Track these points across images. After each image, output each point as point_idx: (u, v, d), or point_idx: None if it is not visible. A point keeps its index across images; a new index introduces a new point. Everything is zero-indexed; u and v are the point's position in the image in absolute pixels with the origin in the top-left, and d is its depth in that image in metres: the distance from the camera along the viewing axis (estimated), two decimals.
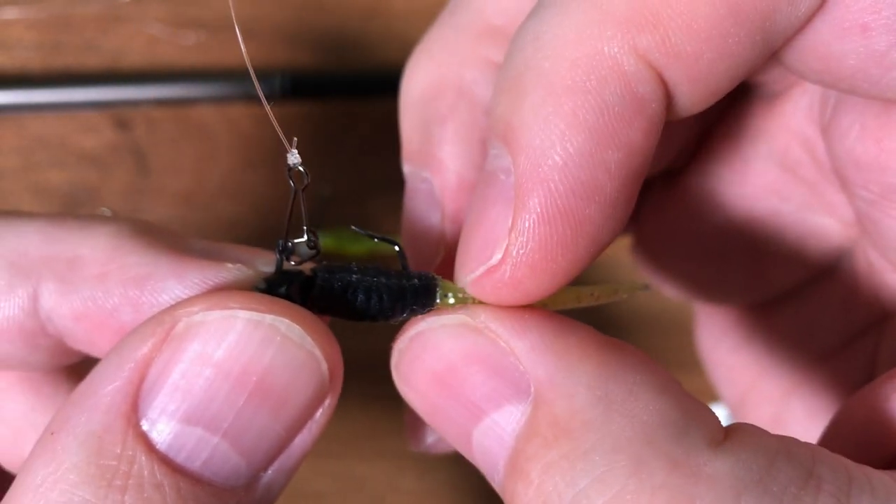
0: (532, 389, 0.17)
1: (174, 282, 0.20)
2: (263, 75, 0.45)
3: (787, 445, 0.17)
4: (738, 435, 0.17)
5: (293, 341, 0.18)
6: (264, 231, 0.46)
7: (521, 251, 0.18)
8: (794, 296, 0.30)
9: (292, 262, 0.20)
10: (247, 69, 0.47)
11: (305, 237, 0.21)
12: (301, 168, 0.18)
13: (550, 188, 0.18)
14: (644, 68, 0.18)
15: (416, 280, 0.20)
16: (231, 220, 0.46)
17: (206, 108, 0.46)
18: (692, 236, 0.29)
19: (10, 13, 0.44)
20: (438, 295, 0.20)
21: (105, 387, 0.18)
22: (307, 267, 0.20)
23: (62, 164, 0.45)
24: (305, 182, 0.18)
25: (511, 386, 0.18)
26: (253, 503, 0.18)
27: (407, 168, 0.27)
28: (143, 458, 0.17)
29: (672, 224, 0.30)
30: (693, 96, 0.19)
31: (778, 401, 0.30)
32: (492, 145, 0.19)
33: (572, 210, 0.18)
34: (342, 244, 0.45)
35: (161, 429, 0.17)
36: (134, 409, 0.17)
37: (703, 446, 0.16)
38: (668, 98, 0.19)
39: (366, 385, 0.45)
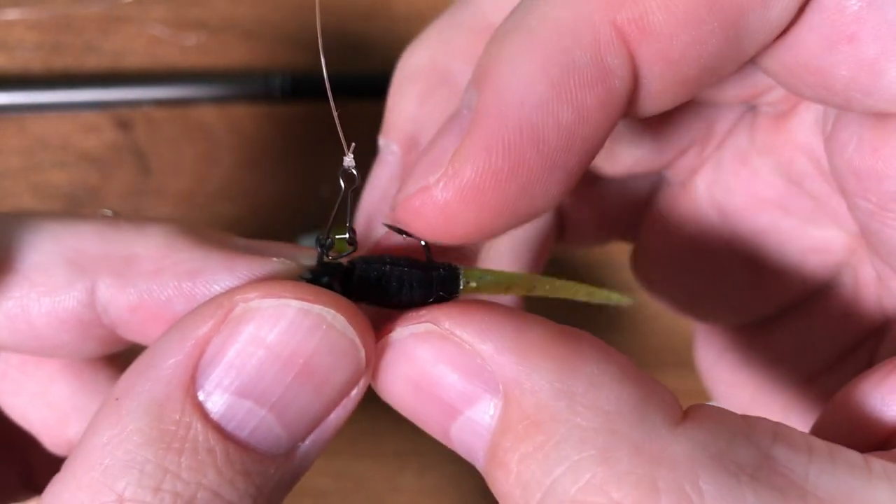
0: (501, 388, 0.19)
1: (225, 275, 0.22)
2: (264, 76, 0.46)
3: (748, 425, 0.18)
4: (696, 415, 0.18)
5: (337, 329, 0.20)
6: (264, 231, 0.46)
7: (456, 174, 0.19)
8: (792, 312, 0.30)
9: (330, 256, 0.22)
10: (246, 70, 0.47)
11: (347, 234, 0.23)
12: (354, 171, 0.19)
13: (503, 122, 0.19)
14: (617, 43, 0.19)
15: (441, 269, 0.21)
16: (231, 219, 0.46)
17: (207, 109, 0.46)
18: (693, 250, 0.30)
19: (12, 14, 0.45)
20: (462, 282, 0.21)
21: (167, 360, 0.20)
22: (345, 260, 0.22)
23: (63, 165, 0.45)
24: (356, 183, 0.20)
25: (481, 384, 0.19)
26: (290, 470, 0.20)
27: (381, 141, 0.28)
28: (199, 425, 0.19)
29: (672, 238, 0.31)
30: (664, 81, 0.20)
31: (779, 416, 0.30)
32: (467, 90, 0.20)
33: (515, 147, 0.19)
34: (342, 245, 0.45)
35: (215, 400, 0.19)
36: (192, 382, 0.19)
37: (662, 429, 0.18)
38: (635, 79, 0.20)
39: None
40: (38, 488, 0.30)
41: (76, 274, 0.22)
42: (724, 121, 0.29)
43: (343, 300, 0.20)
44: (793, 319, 0.30)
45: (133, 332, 0.23)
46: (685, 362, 0.50)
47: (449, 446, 0.20)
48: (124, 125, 0.45)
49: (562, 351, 0.19)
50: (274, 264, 0.22)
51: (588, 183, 0.31)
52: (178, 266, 0.22)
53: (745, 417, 0.18)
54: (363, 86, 0.47)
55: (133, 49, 0.45)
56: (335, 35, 0.48)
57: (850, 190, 0.24)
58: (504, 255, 0.29)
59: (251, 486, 0.19)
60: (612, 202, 0.32)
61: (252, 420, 0.20)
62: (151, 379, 0.20)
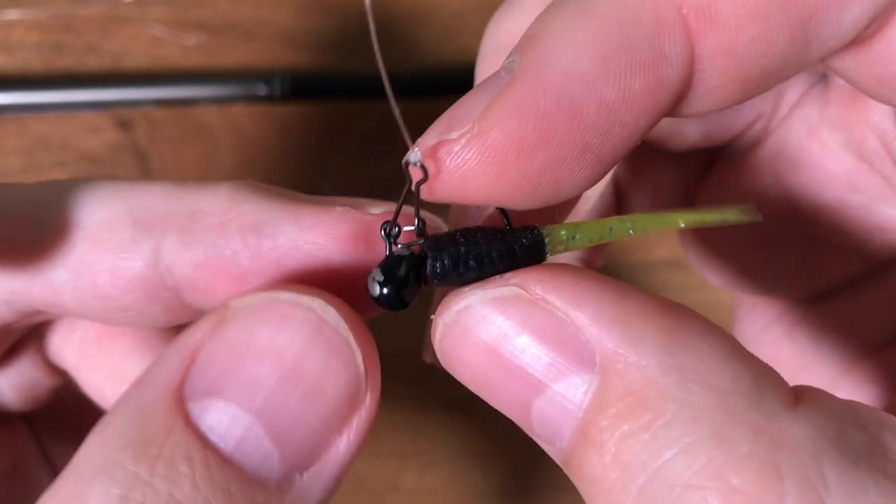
0: (598, 360, 0.17)
1: (290, 225, 0.21)
2: (264, 76, 0.46)
3: (854, 410, 0.17)
4: (809, 398, 0.17)
5: (329, 325, 0.18)
6: None
7: (482, 133, 0.17)
8: (847, 288, 0.29)
9: (399, 245, 0.21)
10: (247, 70, 0.47)
11: (415, 226, 0.20)
12: (421, 165, 0.18)
13: (541, 87, 0.17)
14: (679, 29, 0.18)
15: (523, 239, 0.19)
16: None
17: (208, 109, 0.46)
18: (750, 224, 0.29)
19: (12, 14, 0.45)
20: (548, 249, 0.19)
21: (159, 369, 0.19)
22: (415, 247, 0.20)
23: (64, 165, 0.45)
24: (424, 177, 0.18)
25: (573, 357, 0.17)
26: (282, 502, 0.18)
27: None
28: (181, 430, 0.18)
29: (748, 182, 0.29)
30: (723, 77, 0.19)
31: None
32: (510, 54, 0.19)
33: (549, 117, 0.17)
34: None
35: (201, 406, 0.18)
36: (180, 388, 0.18)
37: (780, 411, 0.16)
38: (690, 71, 0.18)
39: None
40: None
41: (142, 233, 0.22)
42: (791, 91, 0.27)
43: (337, 299, 0.19)
44: (846, 296, 0.29)
45: (198, 293, 0.22)
46: None
47: (523, 426, 0.19)
48: (125, 125, 0.46)
49: (668, 322, 0.17)
50: (339, 212, 0.21)
51: (646, 156, 0.30)
52: (243, 218, 0.21)
53: (848, 402, 0.17)
54: (363, 86, 0.47)
55: (133, 49, 0.46)
56: (336, 36, 0.48)
57: None
58: None
59: None
60: (669, 175, 0.31)
61: (238, 428, 0.18)
62: (141, 386, 0.19)
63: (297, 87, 0.46)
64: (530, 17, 0.25)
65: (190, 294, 0.22)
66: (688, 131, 0.28)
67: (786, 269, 0.29)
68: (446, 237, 0.19)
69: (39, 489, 0.28)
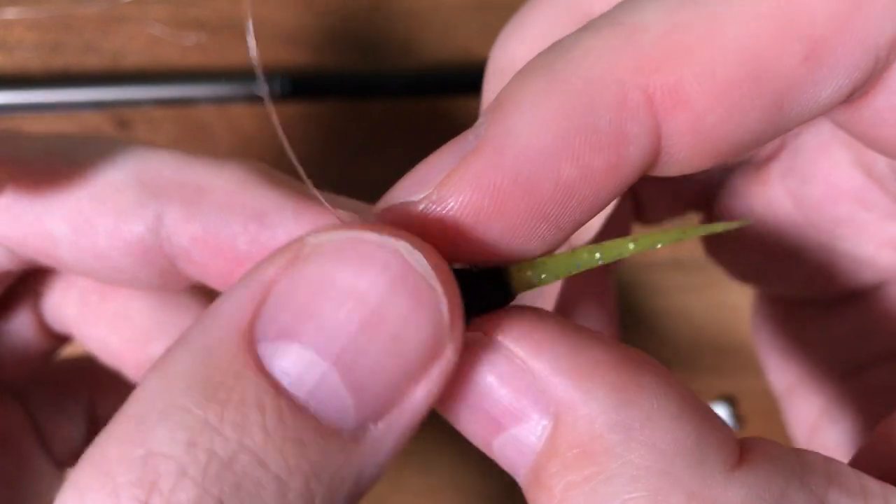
0: (552, 409, 0.18)
1: (292, 220, 0.21)
2: (264, 75, 0.46)
3: (803, 467, 0.17)
4: (753, 457, 0.17)
5: (414, 270, 0.17)
6: None
7: (440, 202, 0.18)
8: (858, 297, 0.30)
9: None
10: (246, 70, 0.47)
11: None
12: None
13: (499, 163, 0.18)
14: (644, 110, 0.18)
15: (489, 284, 0.19)
16: None
17: (207, 109, 0.46)
18: (765, 232, 0.29)
19: (11, 14, 0.44)
20: (513, 290, 0.19)
21: (227, 305, 0.18)
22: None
23: None
24: None
25: (530, 403, 0.18)
26: (357, 459, 0.18)
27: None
28: (251, 374, 0.17)
29: (748, 213, 0.30)
30: (691, 151, 0.19)
31: (827, 395, 0.30)
32: (482, 115, 0.19)
33: (505, 192, 0.18)
34: None
35: (273, 349, 0.17)
36: (251, 327, 0.17)
37: (718, 474, 0.17)
38: (655, 148, 0.18)
39: None
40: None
41: (147, 197, 0.22)
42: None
43: (424, 242, 0.18)
44: (856, 305, 0.30)
45: (192, 266, 0.22)
46: (687, 363, 0.50)
47: (489, 456, 0.19)
48: (124, 125, 0.45)
49: (621, 378, 0.17)
50: (342, 215, 0.21)
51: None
52: (248, 204, 0.21)
53: (798, 454, 0.17)
54: (363, 85, 0.47)
55: (133, 49, 0.45)
56: (336, 35, 0.48)
57: None
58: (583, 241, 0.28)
59: (305, 462, 0.17)
60: (688, 185, 0.31)
61: (314, 375, 0.17)
62: (206, 325, 0.18)
63: (297, 86, 0.46)
64: (533, 41, 0.25)
65: (184, 264, 0.22)
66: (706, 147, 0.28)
67: (801, 272, 0.30)
68: None
69: (30, 461, 0.28)
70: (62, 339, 0.29)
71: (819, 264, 0.29)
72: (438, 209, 0.18)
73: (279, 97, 0.46)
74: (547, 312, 0.19)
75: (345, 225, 0.18)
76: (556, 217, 0.18)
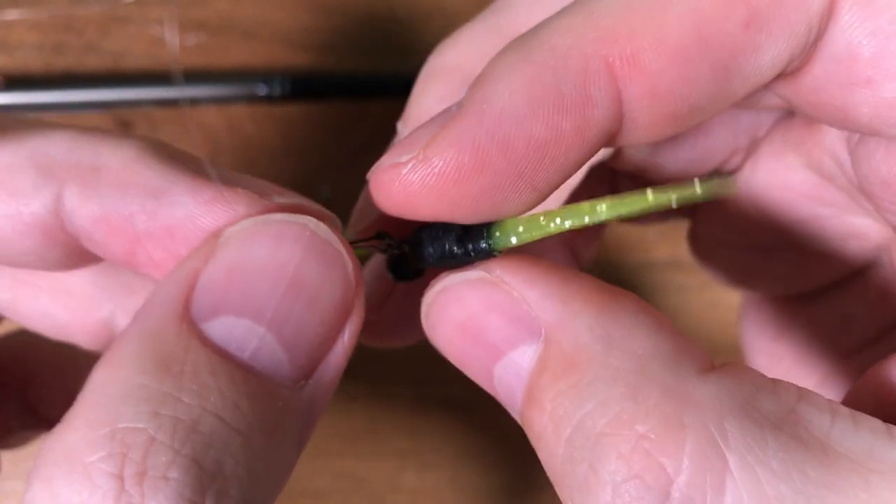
0: (542, 331, 0.20)
1: (188, 197, 0.21)
2: (264, 76, 0.46)
3: (774, 383, 0.19)
4: (726, 368, 0.19)
5: (322, 238, 0.20)
6: None
7: (425, 160, 0.20)
8: (835, 289, 0.31)
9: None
10: (246, 70, 0.47)
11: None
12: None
13: (478, 123, 0.20)
14: (605, 77, 0.20)
15: (473, 240, 0.22)
16: None
17: (208, 109, 0.46)
18: (741, 231, 0.32)
19: (12, 14, 0.45)
20: (493, 245, 0.22)
21: (159, 298, 0.20)
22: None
23: None
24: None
25: (525, 329, 0.20)
26: (298, 409, 0.20)
27: (399, 125, 0.30)
28: (198, 347, 0.19)
29: (723, 219, 0.32)
30: (651, 115, 0.21)
31: (814, 388, 0.31)
32: (466, 92, 0.21)
33: (483, 149, 0.20)
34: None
35: (213, 324, 0.19)
36: (186, 310, 0.19)
37: (692, 375, 0.18)
38: (618, 112, 0.20)
39: (366, 383, 0.46)
40: (42, 424, 0.31)
41: (44, 179, 0.22)
42: (763, 126, 0.30)
43: (327, 215, 0.21)
44: (834, 296, 0.31)
45: (95, 245, 0.23)
46: None
47: (491, 392, 0.21)
48: (125, 125, 0.46)
49: (604, 300, 0.20)
50: (238, 194, 0.22)
51: (642, 175, 0.33)
52: (144, 181, 0.21)
53: (771, 378, 0.19)
54: (363, 86, 0.47)
55: (133, 49, 0.46)
56: (335, 36, 0.48)
57: (877, 195, 0.25)
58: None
59: (258, 416, 0.19)
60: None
61: (252, 339, 0.19)
62: (145, 316, 0.19)
63: (298, 87, 0.46)
64: (462, 53, 0.29)
65: (88, 243, 0.23)
66: (665, 166, 0.30)
67: (777, 270, 0.32)
68: (426, 233, 0.23)
69: None
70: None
71: (793, 263, 0.31)
72: (425, 168, 0.20)
73: (279, 97, 0.46)
74: (535, 257, 0.21)
75: (254, 208, 0.21)
76: (531, 175, 0.20)
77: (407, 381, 0.44)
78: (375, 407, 0.48)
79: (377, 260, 0.28)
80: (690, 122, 0.21)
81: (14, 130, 0.22)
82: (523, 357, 0.20)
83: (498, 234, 0.22)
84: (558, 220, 0.21)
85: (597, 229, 0.33)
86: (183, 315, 0.19)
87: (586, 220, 0.20)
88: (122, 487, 0.17)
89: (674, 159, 0.30)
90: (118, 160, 0.22)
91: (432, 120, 0.21)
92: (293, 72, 0.46)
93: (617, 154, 0.31)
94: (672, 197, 0.19)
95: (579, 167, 0.21)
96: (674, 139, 0.30)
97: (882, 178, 0.24)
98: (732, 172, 0.28)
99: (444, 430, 0.49)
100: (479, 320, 0.21)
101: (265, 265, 0.20)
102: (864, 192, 0.26)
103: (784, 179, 0.29)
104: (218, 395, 0.18)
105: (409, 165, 0.20)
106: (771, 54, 0.20)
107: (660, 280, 0.50)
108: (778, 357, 0.33)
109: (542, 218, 0.21)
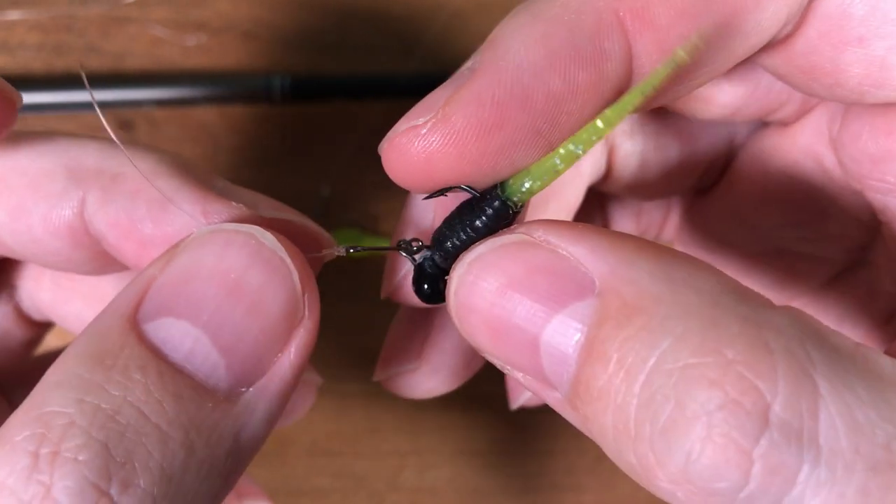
0: (596, 284, 0.18)
1: (188, 208, 0.23)
2: (264, 77, 0.46)
3: (834, 330, 0.18)
4: (789, 307, 0.18)
5: (267, 247, 0.20)
6: None
7: (445, 118, 0.20)
8: (822, 292, 0.31)
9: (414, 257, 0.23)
10: (247, 71, 0.47)
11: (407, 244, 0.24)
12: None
13: (497, 78, 0.20)
14: (617, 30, 0.20)
15: (489, 202, 0.21)
16: None
17: (208, 109, 0.46)
18: (724, 243, 0.32)
19: (13, 15, 0.45)
20: (510, 202, 0.21)
21: (116, 300, 0.20)
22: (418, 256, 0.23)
23: None
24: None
25: (575, 286, 0.19)
26: (232, 416, 0.20)
27: None
28: (134, 344, 0.19)
29: (706, 233, 0.32)
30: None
31: None
32: (473, 56, 0.21)
33: (504, 104, 0.20)
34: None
35: (154, 325, 0.20)
36: (134, 312, 0.20)
37: (764, 307, 0.18)
38: (629, 65, 0.21)
39: (366, 383, 0.46)
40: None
41: (73, 184, 0.24)
42: (740, 136, 0.31)
43: (313, 230, 0.22)
44: (824, 298, 0.31)
45: (112, 249, 0.24)
46: None
47: (528, 370, 0.20)
48: (126, 125, 0.46)
49: (657, 251, 0.19)
50: (234, 208, 0.23)
51: (626, 203, 0.34)
52: (154, 192, 0.23)
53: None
54: (363, 87, 0.47)
55: (134, 50, 0.46)
56: (336, 37, 0.48)
57: (867, 174, 0.26)
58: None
59: (183, 415, 0.19)
60: (648, 208, 0.35)
61: (187, 340, 0.20)
62: (98, 317, 0.20)
63: (298, 87, 0.46)
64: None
65: (108, 247, 0.24)
66: (651, 182, 0.31)
67: (767, 280, 0.32)
68: (436, 235, 0.22)
69: None
70: (41, 326, 0.31)
71: (780, 269, 0.31)
72: (445, 126, 0.20)
73: (279, 98, 0.46)
74: (571, 222, 0.21)
75: (211, 221, 0.22)
76: (548, 131, 0.20)
77: None
78: (375, 407, 0.48)
79: (405, 311, 0.28)
80: (691, 82, 0.22)
81: (49, 137, 0.24)
82: (576, 315, 0.18)
83: (511, 181, 0.21)
84: (563, 157, 0.20)
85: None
86: (129, 317, 0.20)
87: (594, 137, 0.19)
88: (36, 464, 0.18)
89: (659, 174, 0.31)
90: (135, 170, 0.23)
91: (446, 83, 0.21)
92: (293, 72, 0.46)
93: (607, 177, 0.31)
94: (663, 74, 0.18)
95: (590, 118, 0.20)
96: (657, 151, 0.30)
97: (871, 156, 0.25)
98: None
99: (444, 429, 0.49)
100: (523, 284, 0.19)
101: (209, 270, 0.20)
102: (852, 176, 0.26)
103: (765, 185, 0.30)
104: (142, 390, 0.19)
105: (429, 125, 0.20)
106: (771, 10, 0.21)
107: None
108: None
109: (549, 157, 0.20)
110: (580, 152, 0.20)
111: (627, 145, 0.30)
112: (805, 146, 0.28)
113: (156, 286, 0.20)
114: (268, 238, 0.20)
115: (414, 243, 0.23)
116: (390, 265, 0.26)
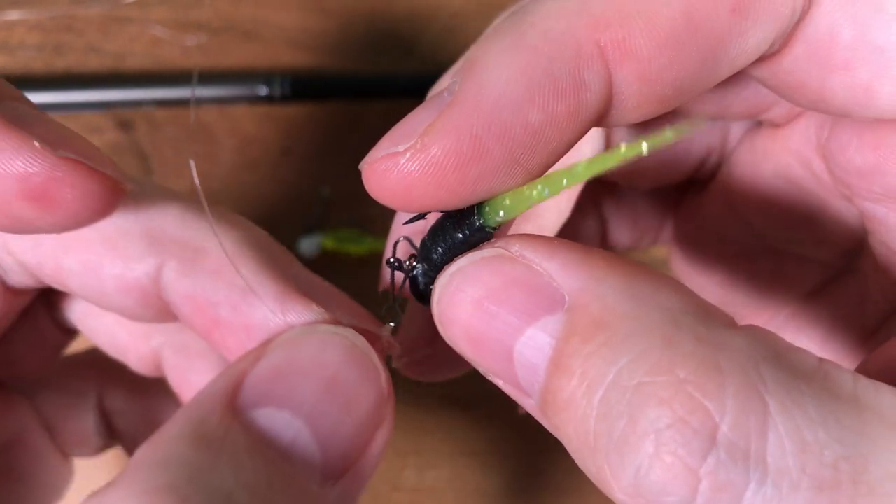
0: (566, 299, 0.19)
1: (269, 303, 0.23)
2: (264, 77, 0.46)
3: (796, 346, 0.19)
4: (751, 326, 0.19)
5: (360, 349, 0.22)
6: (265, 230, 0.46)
7: (424, 148, 0.20)
8: (817, 295, 0.32)
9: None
10: (247, 71, 0.47)
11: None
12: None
13: (476, 111, 0.20)
14: (598, 60, 0.20)
15: (467, 223, 0.22)
16: None
17: (208, 109, 0.46)
18: (723, 242, 0.32)
19: (14, 15, 0.45)
20: (487, 222, 0.21)
21: (209, 390, 0.21)
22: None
23: None
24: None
25: (547, 300, 0.19)
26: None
27: None
28: (239, 430, 0.20)
29: (702, 230, 0.32)
30: (639, 97, 0.21)
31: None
32: (453, 76, 0.21)
33: (481, 137, 0.20)
34: (342, 245, 0.45)
35: (255, 412, 0.21)
36: (232, 401, 0.21)
37: (723, 328, 0.18)
38: (609, 94, 0.21)
39: None
40: (115, 436, 0.33)
41: (150, 249, 0.24)
42: (735, 129, 0.31)
43: (381, 334, 0.23)
44: (818, 302, 0.32)
45: (183, 317, 0.25)
46: None
47: (506, 379, 0.21)
48: (126, 125, 0.46)
49: (627, 268, 0.19)
50: (313, 312, 0.24)
51: (623, 195, 0.34)
52: (236, 278, 0.24)
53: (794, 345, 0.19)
54: (364, 87, 0.47)
55: (134, 50, 0.46)
56: (337, 36, 0.48)
57: (854, 185, 0.26)
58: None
59: (289, 500, 0.20)
60: (644, 210, 0.35)
61: (290, 430, 0.21)
62: (192, 404, 0.21)
63: (298, 87, 0.46)
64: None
65: (178, 313, 0.25)
66: (644, 170, 0.31)
67: (761, 280, 0.32)
68: (422, 247, 0.23)
69: (42, 457, 0.31)
70: (72, 333, 0.31)
71: (773, 268, 0.31)
72: (424, 157, 0.20)
73: (279, 98, 0.46)
74: (547, 236, 0.21)
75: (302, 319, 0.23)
76: (526, 160, 0.20)
77: (407, 381, 0.44)
78: None
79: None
80: (675, 103, 0.22)
81: (132, 197, 0.24)
82: (547, 328, 0.19)
83: (487, 209, 0.21)
84: (538, 192, 0.20)
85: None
86: (230, 402, 0.21)
87: (564, 182, 0.20)
88: None
89: (652, 164, 0.31)
90: (219, 248, 0.24)
91: (425, 106, 0.21)
92: (293, 72, 0.46)
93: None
94: (643, 144, 0.18)
95: (569, 149, 0.21)
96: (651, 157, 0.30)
97: (857, 169, 0.25)
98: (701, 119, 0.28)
99: (444, 429, 0.49)
100: (498, 296, 0.20)
101: (307, 365, 0.21)
102: (841, 182, 0.26)
103: (757, 187, 0.30)
104: (252, 473, 0.19)
105: (408, 155, 0.20)
106: (756, 38, 0.21)
107: None
108: None
109: (525, 189, 0.21)
110: (546, 195, 0.21)
111: (623, 132, 0.30)
112: (795, 150, 0.28)
113: (253, 377, 0.21)
114: (360, 341, 0.22)
115: (407, 259, 0.24)
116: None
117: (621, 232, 0.35)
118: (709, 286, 0.34)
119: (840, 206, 0.29)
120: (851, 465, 0.16)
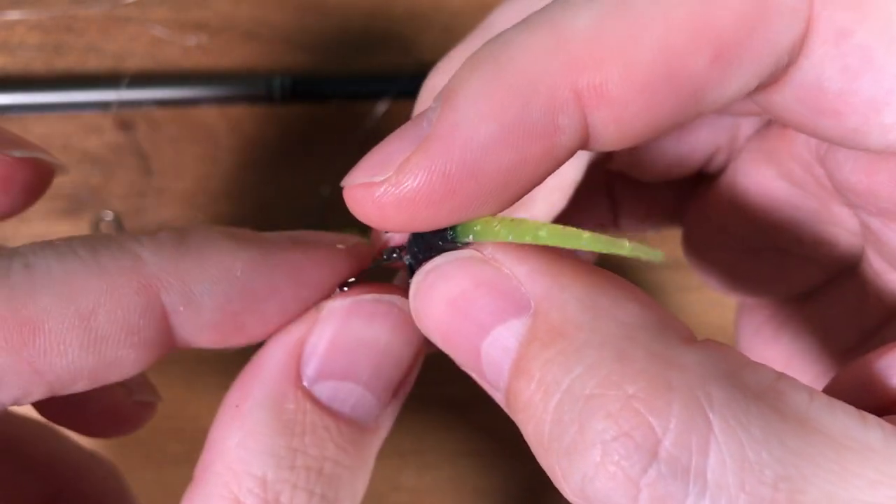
0: (532, 305, 0.20)
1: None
2: (265, 77, 0.46)
3: (755, 362, 0.19)
4: (709, 342, 0.19)
5: (405, 312, 0.24)
6: (266, 231, 0.46)
7: (398, 184, 0.21)
8: (818, 293, 0.32)
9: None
10: (247, 71, 0.48)
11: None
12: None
13: (449, 152, 0.20)
14: (573, 105, 0.20)
15: (445, 239, 0.23)
16: (233, 220, 0.46)
17: (208, 109, 0.46)
18: (728, 234, 0.33)
19: (13, 15, 0.45)
20: (452, 234, 0.23)
21: (273, 363, 0.24)
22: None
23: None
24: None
25: (514, 304, 0.21)
26: (379, 436, 0.25)
27: None
28: (311, 409, 0.23)
29: (711, 223, 0.33)
30: (613, 137, 0.21)
31: (815, 378, 0.32)
32: (435, 100, 0.22)
33: (454, 177, 0.20)
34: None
35: (320, 386, 0.24)
36: (298, 376, 0.24)
37: (678, 344, 0.19)
38: (584, 137, 0.21)
39: None
40: None
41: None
42: (745, 126, 0.31)
43: (401, 290, 0.25)
44: (819, 301, 0.32)
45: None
46: None
47: (474, 371, 0.22)
48: (126, 126, 0.46)
49: (591, 277, 0.20)
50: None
51: (632, 182, 0.34)
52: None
53: (751, 360, 0.19)
54: (364, 87, 0.47)
55: (134, 50, 0.46)
56: (336, 36, 0.48)
57: (853, 199, 0.26)
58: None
59: (360, 455, 0.24)
60: (658, 197, 0.35)
61: (351, 396, 0.24)
62: (262, 381, 0.24)
63: (298, 87, 0.46)
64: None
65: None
66: (652, 166, 0.32)
67: (764, 274, 0.33)
68: (408, 244, 0.24)
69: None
70: None
71: (779, 264, 0.32)
72: (397, 191, 0.21)
73: (280, 98, 0.46)
74: (522, 245, 0.22)
75: (350, 293, 0.25)
76: (498, 195, 0.21)
77: None
78: None
79: None
80: (653, 139, 0.22)
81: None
82: (512, 331, 0.20)
83: (459, 229, 0.22)
84: (504, 232, 0.21)
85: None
86: (296, 381, 0.24)
87: (527, 238, 0.21)
88: None
89: (660, 158, 0.31)
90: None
91: (404, 135, 0.22)
92: (293, 72, 0.46)
93: (608, 154, 0.31)
94: (601, 248, 0.20)
95: (543, 181, 0.22)
96: (658, 149, 0.31)
97: (853, 187, 0.25)
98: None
99: (443, 429, 0.49)
100: (469, 296, 0.21)
101: (361, 336, 0.24)
102: (842, 193, 0.27)
103: (761, 187, 0.30)
104: (333, 446, 0.23)
105: (382, 188, 0.21)
106: (737, 85, 0.21)
107: (660, 280, 0.50)
108: (772, 360, 0.33)
109: (495, 224, 0.22)
110: (510, 239, 0.21)
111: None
112: (798, 154, 0.28)
113: (311, 351, 0.24)
114: (406, 305, 0.24)
115: (397, 251, 0.26)
116: (374, 235, 0.29)
117: (633, 216, 0.36)
118: (713, 276, 0.34)
119: (841, 212, 0.29)
120: (790, 484, 0.17)
